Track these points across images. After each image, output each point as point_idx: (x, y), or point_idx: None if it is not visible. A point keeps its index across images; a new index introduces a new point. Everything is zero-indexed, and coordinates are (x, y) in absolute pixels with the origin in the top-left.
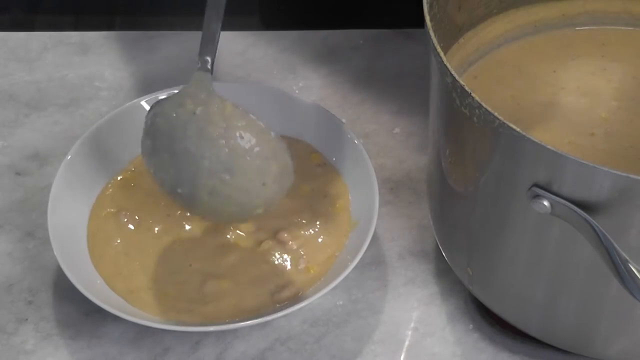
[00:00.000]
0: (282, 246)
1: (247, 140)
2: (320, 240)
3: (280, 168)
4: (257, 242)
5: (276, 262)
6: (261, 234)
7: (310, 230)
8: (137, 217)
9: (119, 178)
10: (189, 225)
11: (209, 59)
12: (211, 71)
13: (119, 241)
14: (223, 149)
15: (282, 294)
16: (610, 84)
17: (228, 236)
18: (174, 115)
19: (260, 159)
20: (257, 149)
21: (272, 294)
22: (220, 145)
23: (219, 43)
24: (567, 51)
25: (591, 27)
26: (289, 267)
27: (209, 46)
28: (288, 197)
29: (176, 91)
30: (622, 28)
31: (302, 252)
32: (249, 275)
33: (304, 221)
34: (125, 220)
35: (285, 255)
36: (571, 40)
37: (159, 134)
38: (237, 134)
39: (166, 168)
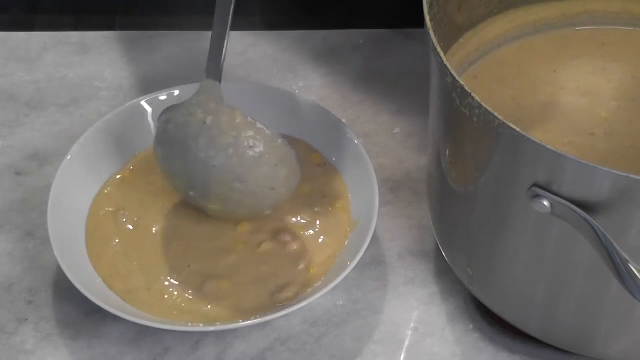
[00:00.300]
0: (282, 247)
1: (256, 149)
2: (320, 240)
3: (288, 172)
4: (256, 242)
5: (276, 263)
6: (261, 234)
7: (310, 231)
8: (135, 217)
9: (117, 177)
10: (188, 225)
11: (217, 66)
12: (220, 79)
13: (117, 241)
14: (233, 159)
15: (282, 294)
16: (610, 84)
17: (227, 237)
18: (185, 124)
19: (269, 166)
20: (266, 156)
21: (272, 294)
22: (230, 154)
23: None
24: (567, 51)
25: (591, 27)
26: (288, 267)
27: (217, 53)
28: (291, 199)
29: (177, 92)
30: (622, 28)
31: (302, 253)
32: (249, 276)
33: (303, 221)
34: (124, 220)
35: (285, 256)
36: (571, 40)
37: (171, 142)
38: (247, 143)
39: (179, 174)
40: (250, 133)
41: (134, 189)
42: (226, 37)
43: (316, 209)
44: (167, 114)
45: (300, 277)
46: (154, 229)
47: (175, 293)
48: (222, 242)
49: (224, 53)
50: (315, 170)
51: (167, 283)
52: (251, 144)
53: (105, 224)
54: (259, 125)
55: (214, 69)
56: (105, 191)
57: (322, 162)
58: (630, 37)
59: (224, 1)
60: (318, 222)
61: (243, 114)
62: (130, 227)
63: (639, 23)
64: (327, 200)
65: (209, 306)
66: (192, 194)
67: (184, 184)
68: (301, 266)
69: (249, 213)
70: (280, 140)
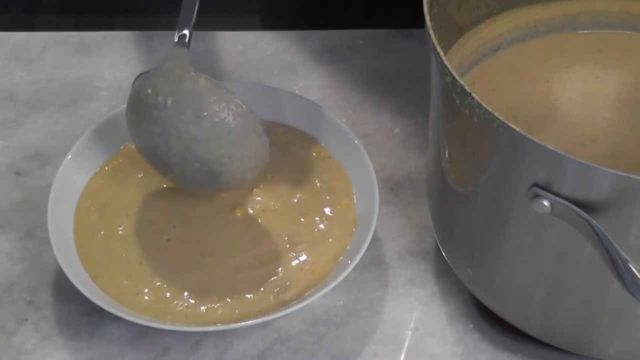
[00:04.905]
0: (287, 247)
1: (213, 112)
2: (325, 240)
3: (249, 143)
4: (258, 243)
5: (282, 264)
6: (267, 236)
7: (319, 231)
8: (127, 215)
9: (106, 169)
10: (187, 228)
11: (186, 33)
12: (188, 46)
13: (107, 240)
14: (189, 124)
15: (286, 295)
16: (601, 93)
17: (228, 238)
18: (149, 98)
19: (229, 132)
20: (226, 122)
21: (276, 295)
22: (188, 120)
23: (219, 43)
24: (562, 58)
25: (589, 31)
26: (294, 268)
27: (186, 21)
28: (291, 196)
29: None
30: (620, 32)
31: (308, 253)
32: (252, 276)
33: (309, 221)
34: (115, 219)
35: (289, 256)
36: (567, 46)
37: (137, 108)
38: (207, 109)
39: (144, 141)
40: (214, 98)
41: (127, 187)
42: (196, 5)
43: (326, 209)
44: (136, 81)
45: (305, 278)
46: (150, 229)
47: (173, 295)
48: (223, 244)
49: (192, 21)
50: (321, 164)
51: (165, 284)
52: (212, 110)
53: (93, 221)
54: (223, 90)
55: (183, 35)
56: (94, 185)
57: (326, 156)
58: (626, 41)
59: None
60: (326, 222)
61: (207, 78)
62: (122, 227)
63: (638, 24)
64: (334, 198)
65: (209, 309)
66: (154, 159)
67: (147, 150)
68: (306, 267)
69: (206, 184)
70: (245, 107)
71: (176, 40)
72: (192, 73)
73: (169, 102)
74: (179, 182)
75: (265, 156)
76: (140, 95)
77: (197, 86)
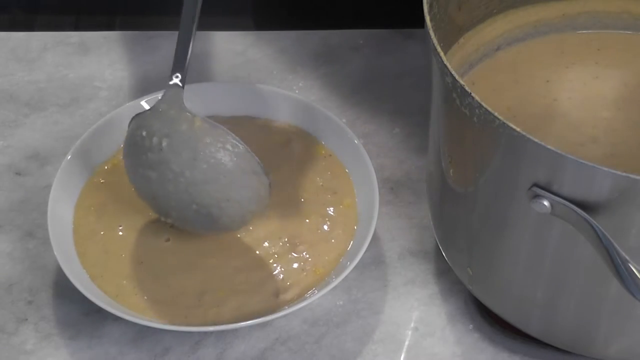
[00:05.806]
0: (288, 247)
1: (209, 154)
2: (327, 240)
3: (248, 184)
4: (258, 244)
5: (284, 264)
6: (268, 236)
7: (322, 232)
8: (127, 215)
9: (106, 168)
10: (186, 235)
11: (181, 71)
12: (183, 83)
13: (107, 241)
14: (188, 165)
15: (286, 295)
16: (601, 93)
17: (228, 239)
18: (144, 141)
19: (222, 173)
20: (222, 161)
21: (276, 295)
22: (184, 162)
23: (218, 43)
24: (562, 58)
25: (589, 31)
26: (296, 268)
27: (181, 60)
28: (294, 196)
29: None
30: (620, 32)
31: (309, 254)
32: (251, 277)
33: (312, 222)
34: (118, 224)
35: (290, 257)
36: (567, 46)
37: (133, 152)
38: (202, 152)
39: (141, 183)
40: (209, 140)
41: (124, 183)
42: (191, 43)
43: (326, 209)
44: (132, 123)
45: (306, 278)
46: (150, 228)
47: (174, 295)
48: (223, 244)
49: (188, 58)
50: (322, 163)
51: (164, 285)
52: (209, 151)
53: (93, 221)
54: (220, 130)
55: (177, 75)
56: (94, 185)
57: (327, 154)
58: (626, 41)
59: (189, 6)
60: (329, 223)
61: (204, 120)
62: (121, 227)
63: (638, 24)
64: (337, 198)
65: (210, 311)
66: (152, 202)
67: (145, 193)
68: (308, 267)
69: (207, 228)
70: (242, 147)
71: (171, 80)
72: (188, 114)
73: (164, 144)
74: (179, 225)
75: (266, 197)
76: (135, 138)
77: (193, 127)
